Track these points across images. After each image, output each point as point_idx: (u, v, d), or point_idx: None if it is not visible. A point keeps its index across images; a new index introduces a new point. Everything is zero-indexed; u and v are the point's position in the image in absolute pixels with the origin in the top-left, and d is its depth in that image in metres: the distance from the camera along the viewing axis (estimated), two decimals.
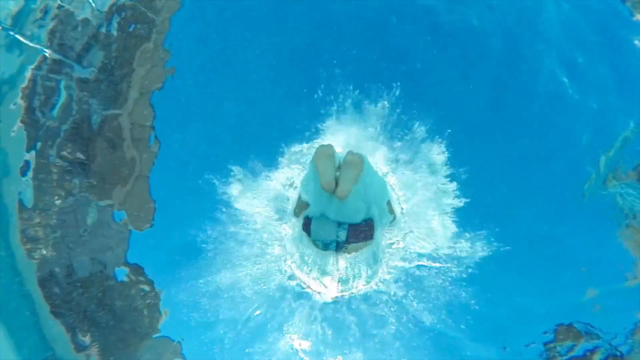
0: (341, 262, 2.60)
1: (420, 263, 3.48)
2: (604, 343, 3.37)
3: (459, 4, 3.32)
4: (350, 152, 2.09)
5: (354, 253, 2.29)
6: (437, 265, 3.47)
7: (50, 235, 3.56)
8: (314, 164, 2.00)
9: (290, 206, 3.32)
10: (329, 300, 3.69)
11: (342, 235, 2.10)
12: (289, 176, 3.45)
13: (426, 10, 3.32)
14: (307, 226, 2.18)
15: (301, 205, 2.30)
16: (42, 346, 3.67)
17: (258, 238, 3.59)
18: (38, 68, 3.32)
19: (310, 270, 3.45)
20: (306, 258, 3.31)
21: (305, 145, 3.36)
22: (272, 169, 3.42)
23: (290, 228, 3.33)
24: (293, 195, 3.37)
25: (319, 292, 3.67)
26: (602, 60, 3.28)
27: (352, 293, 3.57)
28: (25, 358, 3.54)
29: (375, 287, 3.53)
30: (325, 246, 2.14)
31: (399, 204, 3.37)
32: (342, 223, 2.10)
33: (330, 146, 2.07)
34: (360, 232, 2.15)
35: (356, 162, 2.02)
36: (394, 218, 2.60)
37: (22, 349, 3.55)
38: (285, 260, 3.57)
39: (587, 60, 3.27)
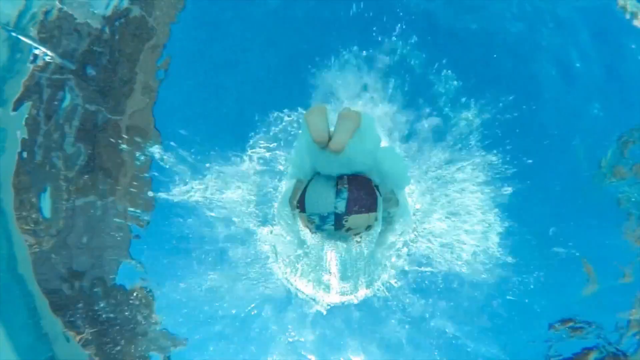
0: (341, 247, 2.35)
1: (423, 269, 3.48)
2: (602, 341, 3.39)
3: (456, 8, 3.35)
4: (345, 108, 1.93)
5: (355, 235, 1.97)
6: (434, 269, 3.49)
7: (52, 234, 3.57)
8: (305, 122, 1.84)
9: (279, 203, 3.17)
10: (325, 308, 3.62)
11: (341, 206, 1.84)
12: (275, 161, 3.38)
13: (424, 13, 3.35)
14: (301, 202, 1.94)
15: (297, 190, 2.10)
16: (43, 347, 3.67)
17: (250, 238, 3.55)
18: (41, 70, 3.35)
19: (305, 272, 3.34)
20: (300, 257, 3.21)
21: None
22: (260, 157, 3.37)
23: (281, 226, 3.10)
24: (283, 187, 3.28)
25: (314, 299, 3.57)
26: (600, 65, 3.31)
27: (351, 299, 3.46)
28: (25, 359, 3.53)
29: (375, 291, 3.49)
30: (323, 220, 1.86)
31: (413, 202, 3.29)
32: (340, 190, 1.85)
33: (322, 105, 1.89)
34: (361, 200, 1.89)
35: (352, 115, 1.85)
36: (397, 203, 2.37)
37: (22, 350, 3.53)
38: (277, 263, 3.50)
39: (585, 65, 3.30)
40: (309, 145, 1.87)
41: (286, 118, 3.28)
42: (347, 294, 3.44)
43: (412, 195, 3.31)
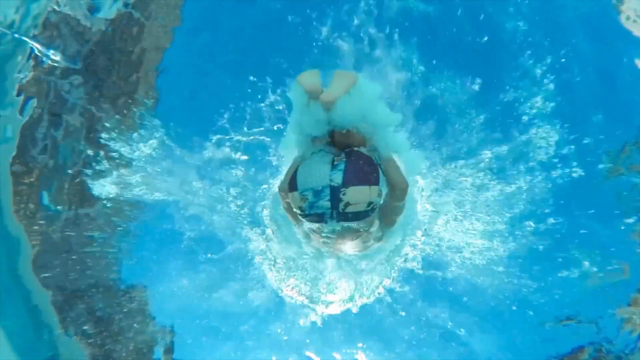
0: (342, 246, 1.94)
1: (427, 272, 3.44)
2: (602, 339, 3.40)
3: (451, 14, 3.37)
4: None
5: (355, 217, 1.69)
6: (439, 271, 3.48)
7: (53, 234, 3.58)
8: (296, 83, 1.72)
9: (272, 202, 3.06)
10: (320, 319, 3.53)
11: (338, 178, 1.62)
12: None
13: (424, 15, 3.36)
14: (292, 181, 1.73)
15: (289, 173, 1.89)
16: (43, 346, 3.67)
17: (244, 239, 3.51)
18: (45, 72, 3.38)
19: (300, 278, 3.17)
20: (295, 261, 3.03)
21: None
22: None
23: (277, 226, 3.02)
24: (275, 186, 3.13)
25: (310, 307, 3.44)
26: (599, 67, 3.33)
27: (349, 307, 3.30)
28: (25, 359, 3.53)
29: (377, 295, 3.36)
30: (317, 196, 1.63)
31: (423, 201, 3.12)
32: (337, 163, 1.67)
33: (315, 70, 1.76)
34: (361, 171, 1.67)
35: (347, 73, 1.73)
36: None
37: (22, 350, 3.53)
38: (270, 267, 3.38)
39: (584, 67, 3.31)
40: (300, 107, 1.76)
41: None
42: (346, 303, 3.28)
43: (422, 193, 3.18)
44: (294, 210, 1.77)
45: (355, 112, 1.72)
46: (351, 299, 3.24)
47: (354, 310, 3.31)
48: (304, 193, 1.67)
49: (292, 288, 3.30)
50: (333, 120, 1.73)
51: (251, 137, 3.33)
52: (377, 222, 1.90)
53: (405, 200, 2.01)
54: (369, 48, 3.29)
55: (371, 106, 1.81)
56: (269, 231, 3.25)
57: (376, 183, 1.68)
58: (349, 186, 1.61)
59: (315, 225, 1.76)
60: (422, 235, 3.20)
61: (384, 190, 1.80)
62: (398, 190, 1.90)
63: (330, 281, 3.08)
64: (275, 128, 3.28)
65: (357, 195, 1.62)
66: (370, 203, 1.66)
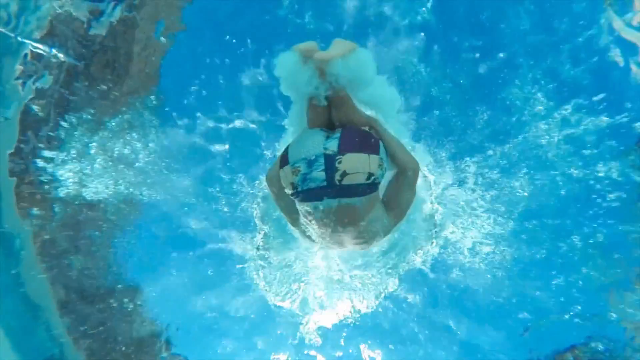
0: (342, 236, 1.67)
1: (432, 274, 3.45)
2: (599, 338, 3.40)
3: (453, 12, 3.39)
4: None
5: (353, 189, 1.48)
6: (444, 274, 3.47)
7: (54, 234, 3.59)
8: (291, 52, 1.58)
9: (264, 200, 2.99)
10: (316, 335, 3.47)
11: (333, 146, 1.46)
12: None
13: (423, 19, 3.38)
14: (284, 156, 1.57)
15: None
16: (43, 346, 3.67)
17: (240, 240, 3.52)
18: (48, 74, 3.42)
19: (291, 284, 3.02)
20: (289, 268, 2.90)
21: None
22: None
23: (269, 226, 2.90)
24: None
25: (303, 319, 3.35)
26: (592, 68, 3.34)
27: (348, 315, 3.23)
28: (25, 359, 3.53)
29: (381, 301, 3.28)
30: (310, 166, 1.46)
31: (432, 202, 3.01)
32: (332, 134, 1.55)
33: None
34: (359, 138, 1.51)
35: (347, 42, 1.61)
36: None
37: (22, 350, 3.53)
38: (259, 273, 3.28)
39: (584, 72, 3.32)
40: (291, 73, 1.61)
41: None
42: (345, 312, 3.21)
43: (432, 191, 3.11)
44: (286, 191, 1.60)
45: (349, 76, 1.57)
46: (351, 308, 3.16)
47: (353, 317, 3.28)
48: (295, 165, 1.50)
49: (287, 296, 3.13)
50: (327, 79, 1.57)
51: (251, 125, 3.32)
52: (380, 208, 1.66)
53: (416, 189, 1.81)
54: (370, 47, 3.31)
55: (371, 80, 1.68)
56: (260, 234, 3.12)
57: (376, 152, 1.51)
58: (345, 153, 1.45)
59: (309, 207, 1.55)
60: (434, 238, 3.12)
61: (386, 163, 1.61)
62: (410, 171, 1.68)
63: (329, 288, 2.99)
64: (265, 119, 3.28)
65: (354, 163, 1.44)
66: (370, 175, 1.47)
